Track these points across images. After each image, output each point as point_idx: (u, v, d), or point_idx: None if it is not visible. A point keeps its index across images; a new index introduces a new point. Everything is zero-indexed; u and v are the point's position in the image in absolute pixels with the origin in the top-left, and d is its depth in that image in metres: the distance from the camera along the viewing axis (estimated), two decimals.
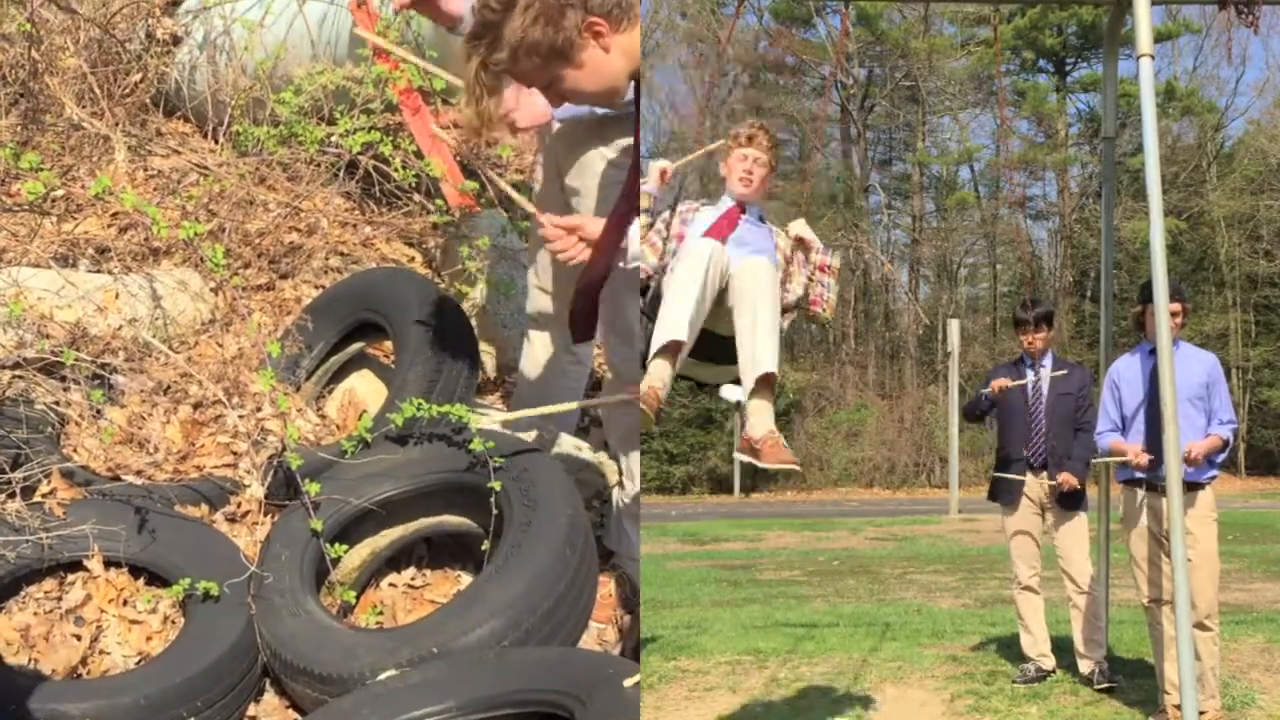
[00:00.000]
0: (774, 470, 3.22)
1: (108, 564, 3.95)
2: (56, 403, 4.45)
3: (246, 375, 4.78)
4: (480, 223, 5.57)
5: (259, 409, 4.62)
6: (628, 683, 3.08)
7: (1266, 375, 32.57)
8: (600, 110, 3.82)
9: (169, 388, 4.73)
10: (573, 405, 4.23)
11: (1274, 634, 6.19)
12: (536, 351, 4.75)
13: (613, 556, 4.42)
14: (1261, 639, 6.06)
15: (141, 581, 3.99)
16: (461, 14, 3.73)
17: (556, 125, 4.16)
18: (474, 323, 5.16)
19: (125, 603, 3.94)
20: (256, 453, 4.44)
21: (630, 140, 3.67)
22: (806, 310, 3.65)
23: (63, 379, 4.49)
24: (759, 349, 3.18)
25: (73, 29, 5.96)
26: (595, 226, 3.41)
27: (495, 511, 3.87)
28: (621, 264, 3.46)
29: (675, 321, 3.16)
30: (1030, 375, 5.23)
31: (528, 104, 3.85)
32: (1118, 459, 4.43)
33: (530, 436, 4.27)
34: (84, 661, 3.76)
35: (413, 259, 5.93)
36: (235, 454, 4.51)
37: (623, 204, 3.46)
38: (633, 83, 3.20)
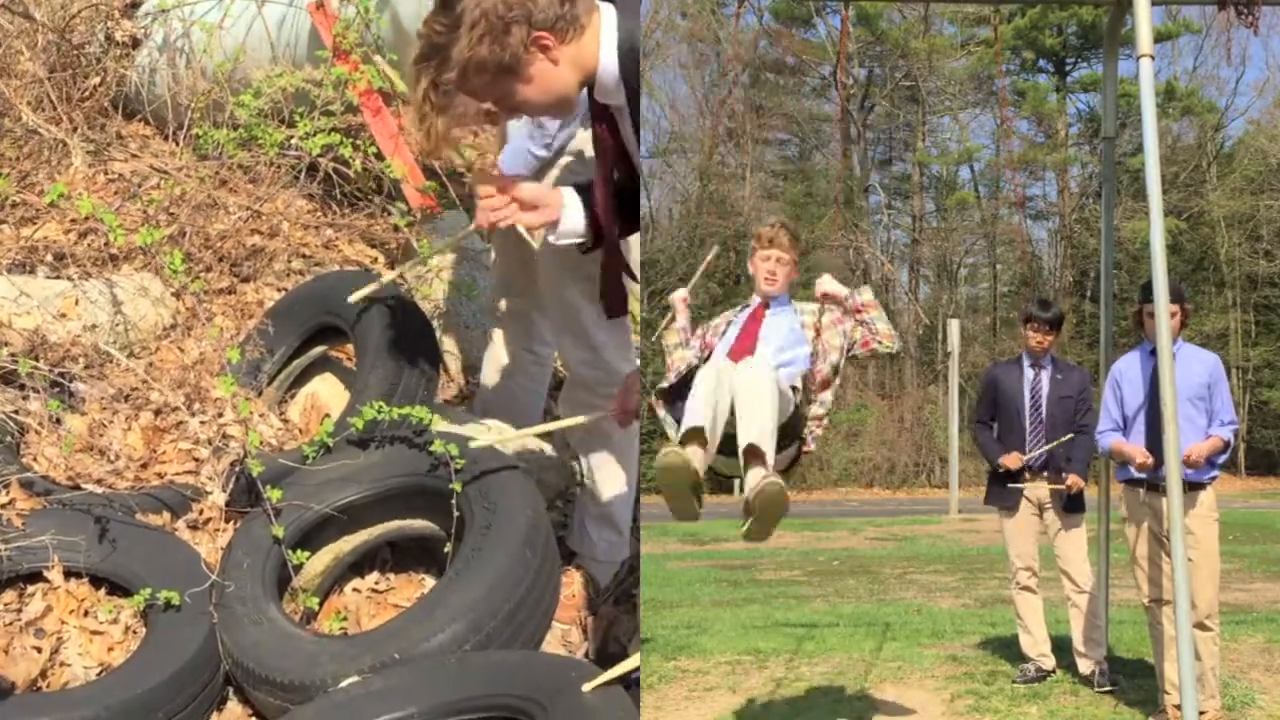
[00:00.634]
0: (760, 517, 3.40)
1: (68, 574, 3.92)
2: (15, 411, 4.42)
3: (208, 381, 4.77)
4: (442, 223, 5.56)
5: (220, 415, 4.61)
6: (586, 687, 3.09)
7: (1266, 375, 32.60)
8: (537, 152, 4.08)
9: (129, 394, 4.70)
10: (573, 422, 4.17)
11: (1274, 634, 6.21)
12: (498, 351, 4.76)
13: (575, 557, 4.42)
14: (1261, 639, 6.07)
15: (103, 591, 3.97)
16: None
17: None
18: (435, 323, 5.16)
19: (86, 613, 3.92)
20: (218, 459, 4.43)
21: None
22: (864, 354, 3.99)
23: (21, 387, 4.46)
24: (747, 429, 3.38)
25: (29, 32, 5.91)
26: (528, 189, 3.42)
27: (456, 514, 3.86)
28: (551, 237, 3.47)
29: (693, 412, 3.43)
30: (1029, 375, 5.24)
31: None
32: (1121, 460, 4.42)
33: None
34: (44, 674, 3.75)
35: (375, 260, 5.92)
36: (197, 460, 4.49)
37: (600, 168, 3.47)
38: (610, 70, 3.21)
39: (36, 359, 4.42)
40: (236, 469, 4.30)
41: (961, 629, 6.58)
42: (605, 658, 3.80)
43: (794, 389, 3.66)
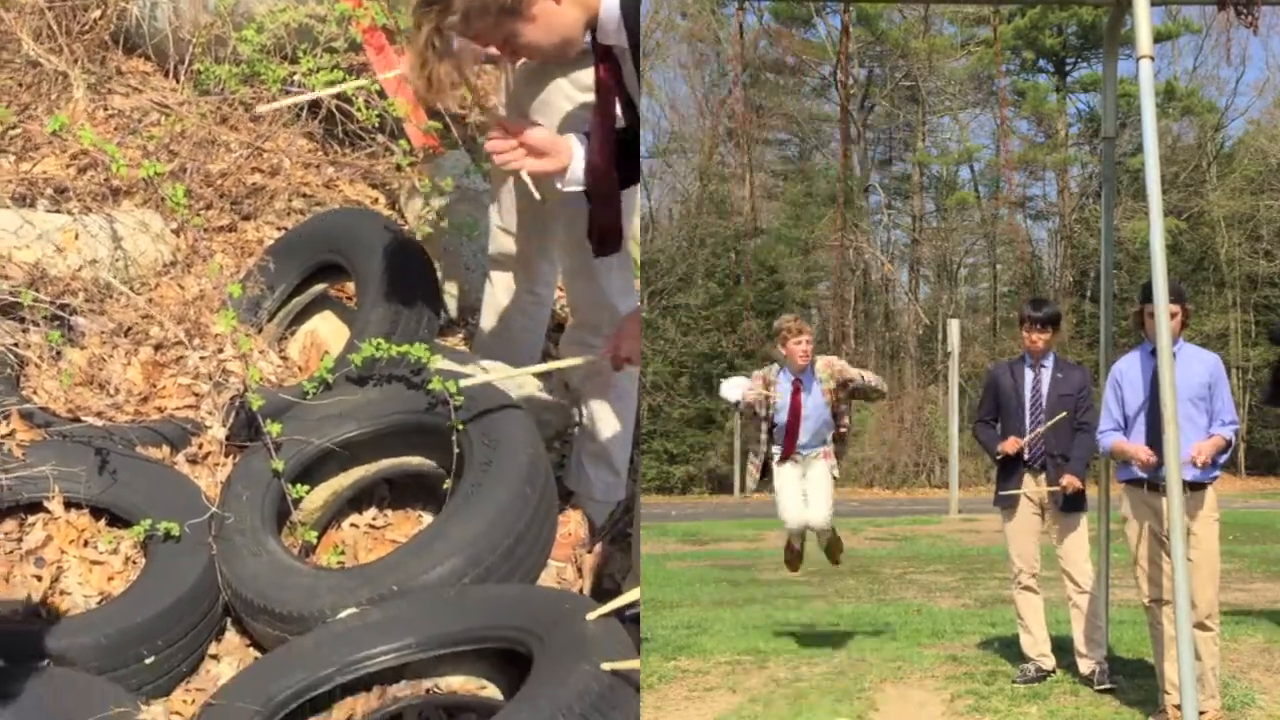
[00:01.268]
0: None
1: (68, 505, 3.95)
2: (15, 344, 4.42)
3: (208, 317, 4.77)
4: (444, 163, 5.54)
5: (220, 350, 4.61)
6: (590, 616, 3.11)
7: (1266, 375, 32.50)
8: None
9: (129, 329, 4.70)
10: (571, 363, 4.19)
11: (1274, 634, 6.17)
12: (498, 293, 4.75)
13: (572, 496, 4.44)
14: (1261, 639, 6.03)
15: (103, 523, 4.00)
16: None
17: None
18: (436, 264, 5.15)
19: (86, 543, 3.95)
20: (218, 394, 4.44)
21: (590, 73, 3.64)
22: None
23: (21, 320, 4.46)
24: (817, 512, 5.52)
25: None
26: (538, 135, 3.40)
27: (456, 451, 3.88)
28: (559, 184, 3.46)
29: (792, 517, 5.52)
30: (1030, 375, 5.24)
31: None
32: (1123, 459, 4.41)
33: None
34: (44, 601, 3.77)
35: (376, 200, 5.90)
36: (197, 395, 4.50)
37: (596, 116, 3.45)
38: (613, 20, 3.19)
39: (37, 292, 4.41)
40: (236, 404, 4.31)
41: (961, 629, 6.56)
42: (599, 595, 3.82)
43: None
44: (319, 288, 5.00)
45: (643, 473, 4.49)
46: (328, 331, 4.96)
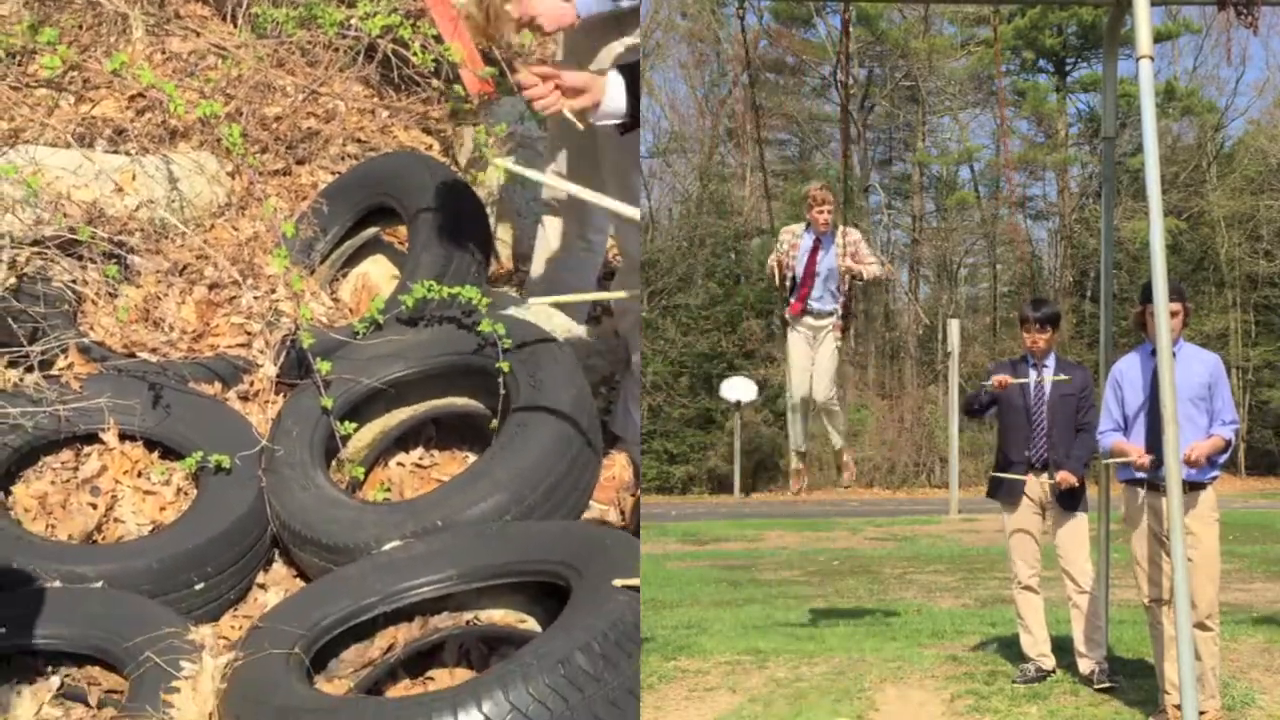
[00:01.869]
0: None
1: (123, 437, 4.03)
2: (74, 280, 4.50)
3: (261, 257, 4.82)
4: (499, 109, 5.54)
5: (273, 290, 4.66)
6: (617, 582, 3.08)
7: (1266, 375, 32.07)
8: (625, 3, 3.97)
9: (185, 268, 4.77)
10: (609, 295, 4.19)
11: (1274, 634, 6.09)
12: (550, 238, 4.76)
13: (618, 441, 4.46)
14: (1261, 639, 5.96)
15: (156, 455, 4.08)
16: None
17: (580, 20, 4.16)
18: (489, 209, 5.16)
19: (139, 474, 4.03)
20: (270, 333, 4.49)
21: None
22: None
23: (79, 258, 4.54)
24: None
25: None
26: (571, 75, 3.45)
27: (503, 392, 3.91)
28: (592, 119, 3.50)
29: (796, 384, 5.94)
30: (1032, 375, 5.18)
31: (550, 6, 3.86)
32: (1120, 460, 4.37)
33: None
34: (99, 528, 3.86)
35: (430, 146, 5.91)
36: (249, 334, 4.55)
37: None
38: None
39: (94, 230, 4.48)
40: (287, 343, 4.36)
41: (961, 629, 6.52)
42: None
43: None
44: (371, 231, 5.04)
45: (643, 473, 4.49)
46: (379, 275, 5.00)
